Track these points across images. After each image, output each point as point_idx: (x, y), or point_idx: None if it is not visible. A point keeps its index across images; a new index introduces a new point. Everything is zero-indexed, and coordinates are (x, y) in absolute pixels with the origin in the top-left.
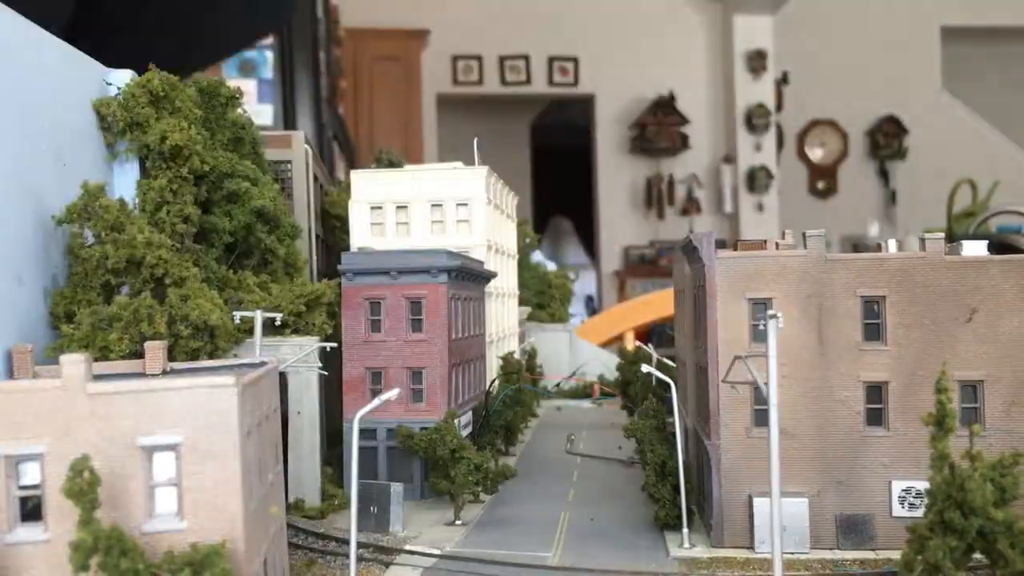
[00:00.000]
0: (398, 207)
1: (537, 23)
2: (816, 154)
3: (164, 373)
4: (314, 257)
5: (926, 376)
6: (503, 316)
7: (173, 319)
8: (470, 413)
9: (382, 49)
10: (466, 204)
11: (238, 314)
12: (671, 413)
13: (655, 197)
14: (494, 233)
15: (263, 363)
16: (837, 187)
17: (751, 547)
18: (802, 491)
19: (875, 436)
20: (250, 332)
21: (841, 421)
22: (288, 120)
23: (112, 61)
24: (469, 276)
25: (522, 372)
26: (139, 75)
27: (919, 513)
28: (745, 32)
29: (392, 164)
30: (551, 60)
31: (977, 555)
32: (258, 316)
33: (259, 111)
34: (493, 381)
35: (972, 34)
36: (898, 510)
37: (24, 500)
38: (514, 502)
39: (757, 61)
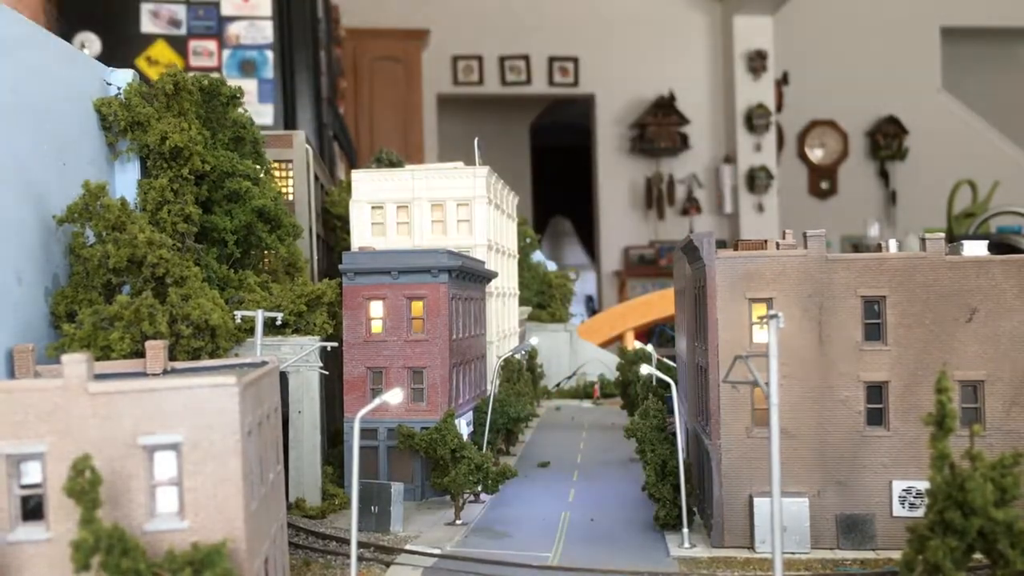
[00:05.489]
0: (399, 207)
1: (537, 23)
2: (816, 154)
3: (165, 372)
4: (315, 257)
5: (926, 376)
6: (504, 316)
7: (174, 318)
8: (471, 413)
9: (382, 49)
10: (467, 204)
11: (239, 313)
12: (671, 413)
13: (655, 197)
14: (495, 233)
15: (264, 363)
16: (837, 187)
17: (751, 547)
18: (802, 491)
19: (875, 436)
20: (251, 332)
21: (842, 421)
22: (289, 120)
23: None
24: (470, 276)
25: (523, 372)
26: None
27: (919, 513)
28: (745, 32)
29: (392, 164)
30: (551, 60)
31: (977, 555)
32: (259, 316)
33: (260, 111)
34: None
35: (972, 34)
36: (898, 510)
37: (25, 499)
38: (515, 502)
39: (757, 61)
